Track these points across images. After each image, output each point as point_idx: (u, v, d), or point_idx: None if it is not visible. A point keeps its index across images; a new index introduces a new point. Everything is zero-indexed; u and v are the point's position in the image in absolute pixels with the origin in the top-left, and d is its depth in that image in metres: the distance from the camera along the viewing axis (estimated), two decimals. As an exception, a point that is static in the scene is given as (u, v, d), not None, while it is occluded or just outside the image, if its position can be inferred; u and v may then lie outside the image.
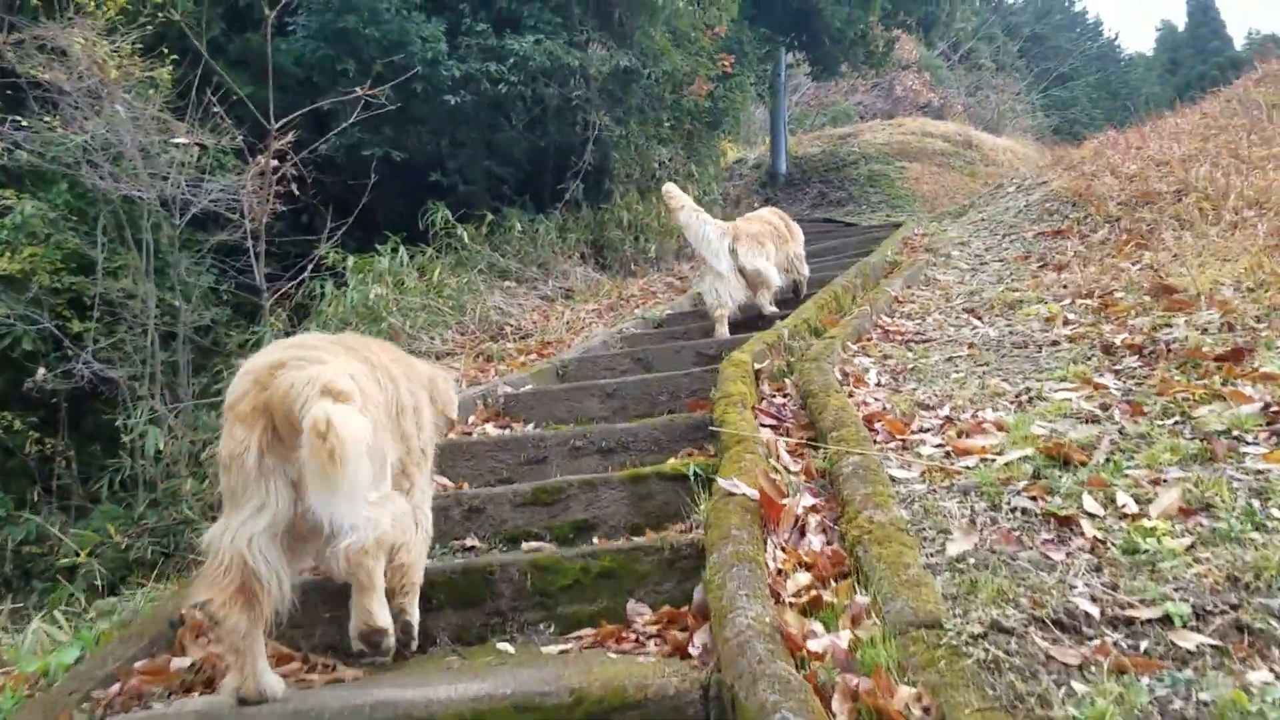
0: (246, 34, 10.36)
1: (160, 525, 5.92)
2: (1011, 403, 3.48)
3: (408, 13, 9.34)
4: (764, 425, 3.66)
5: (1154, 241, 5.70)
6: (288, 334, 7.88)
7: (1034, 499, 2.48)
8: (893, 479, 2.79)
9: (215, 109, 7.29)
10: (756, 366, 4.48)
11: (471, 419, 5.18)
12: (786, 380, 4.36)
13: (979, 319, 5.10)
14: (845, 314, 5.94)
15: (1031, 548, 2.25)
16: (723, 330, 6.01)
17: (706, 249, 6.01)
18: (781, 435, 3.67)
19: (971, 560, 2.22)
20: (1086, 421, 3.06)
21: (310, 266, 8.03)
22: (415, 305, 7.93)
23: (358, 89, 7.40)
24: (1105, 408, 3.16)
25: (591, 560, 2.83)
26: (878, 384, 4.05)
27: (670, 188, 6.32)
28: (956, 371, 4.05)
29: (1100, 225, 6.55)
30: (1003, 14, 44.07)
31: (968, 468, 2.81)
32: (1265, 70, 9.52)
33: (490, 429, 5.05)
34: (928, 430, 3.30)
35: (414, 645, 2.64)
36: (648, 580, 2.79)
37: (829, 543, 2.57)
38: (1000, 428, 3.13)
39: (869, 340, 4.87)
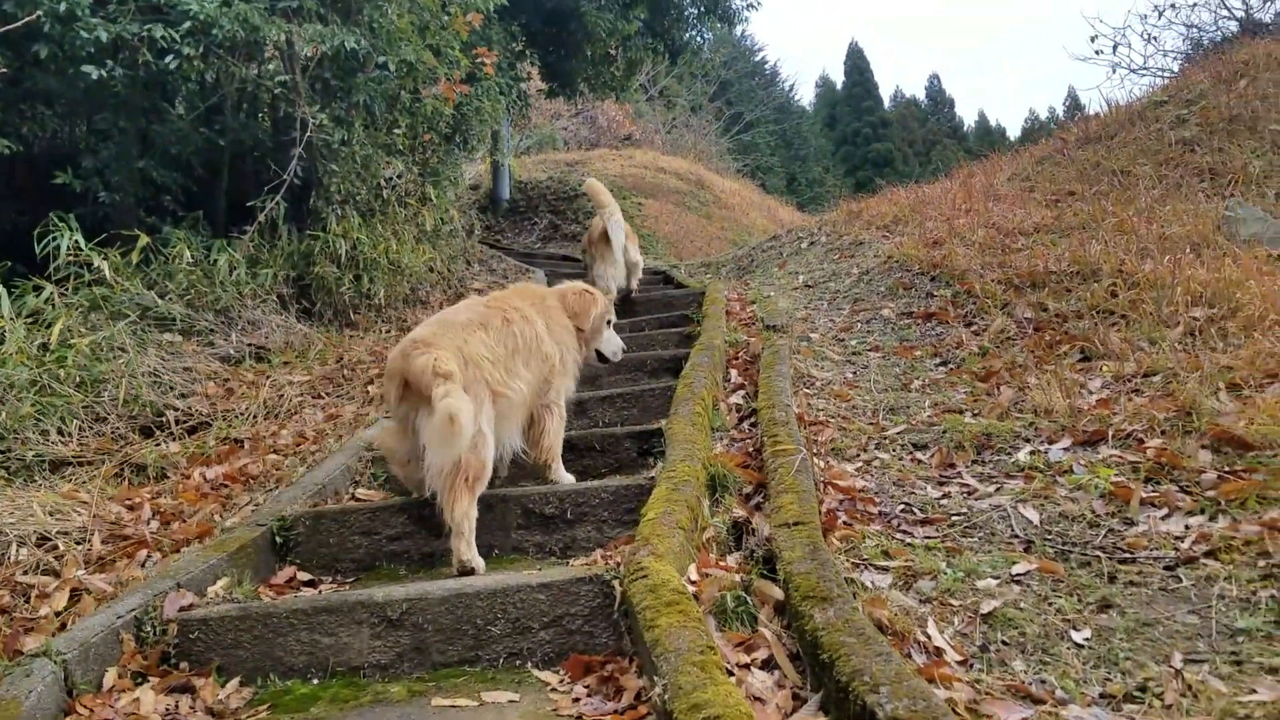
0: None
1: None
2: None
3: (21, -64, 6.19)
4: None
5: (1095, 343, 4.45)
6: None
7: None
8: None
9: None
10: (690, 586, 2.46)
11: (111, 674, 2.65)
12: (760, 626, 2.38)
13: (954, 468, 3.44)
14: (723, 431, 4.08)
15: None
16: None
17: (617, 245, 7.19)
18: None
19: None
20: None
21: None
22: (20, 379, 4.91)
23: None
24: None
25: None
26: (962, 662, 2.18)
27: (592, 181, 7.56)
28: (1073, 629, 2.28)
29: (989, 311, 5.27)
30: (695, 54, 45.35)
31: None
32: (1085, 130, 9.10)
33: (149, 707, 2.53)
34: None
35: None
36: None
37: None
38: None
39: (837, 521, 3.00)
